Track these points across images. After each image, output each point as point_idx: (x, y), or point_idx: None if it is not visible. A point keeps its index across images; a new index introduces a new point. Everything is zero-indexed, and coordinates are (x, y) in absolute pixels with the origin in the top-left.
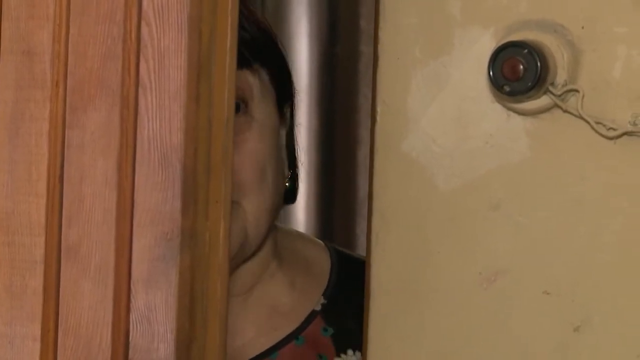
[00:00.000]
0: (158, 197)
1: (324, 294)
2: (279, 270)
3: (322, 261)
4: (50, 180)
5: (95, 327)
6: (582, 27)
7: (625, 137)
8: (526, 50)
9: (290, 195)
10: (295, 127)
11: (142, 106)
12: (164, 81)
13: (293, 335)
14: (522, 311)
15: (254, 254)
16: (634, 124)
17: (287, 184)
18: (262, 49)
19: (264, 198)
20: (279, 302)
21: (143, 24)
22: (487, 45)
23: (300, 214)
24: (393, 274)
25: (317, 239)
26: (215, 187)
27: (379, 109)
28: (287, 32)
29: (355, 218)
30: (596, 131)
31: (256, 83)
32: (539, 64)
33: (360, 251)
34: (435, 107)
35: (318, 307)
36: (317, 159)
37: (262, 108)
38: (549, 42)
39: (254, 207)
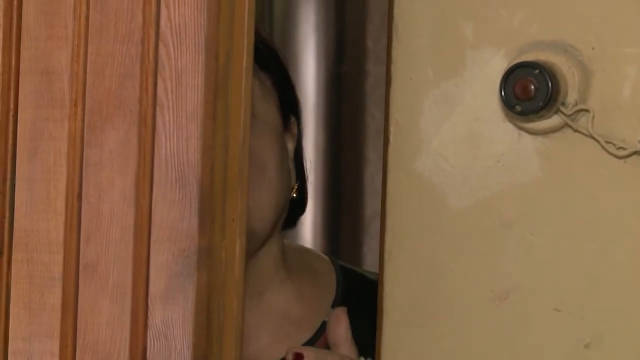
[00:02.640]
0: (175, 215)
1: (332, 306)
2: (287, 279)
3: (328, 274)
4: (69, 198)
5: (113, 343)
6: (593, 48)
7: (635, 156)
8: (537, 71)
9: (298, 207)
10: (303, 142)
11: (160, 125)
12: (181, 100)
13: (308, 344)
14: (533, 328)
15: (261, 256)
16: None
17: (294, 195)
18: (262, 54)
19: (266, 193)
20: (289, 311)
21: (160, 44)
22: (498, 65)
23: (307, 232)
24: (405, 291)
25: (322, 254)
26: (232, 205)
27: (391, 129)
28: (294, 50)
29: (362, 237)
30: (606, 150)
31: (255, 82)
32: (550, 84)
33: (368, 269)
34: (447, 127)
35: (327, 318)
36: (323, 178)
37: (262, 107)
38: (560, 62)
39: (256, 202)
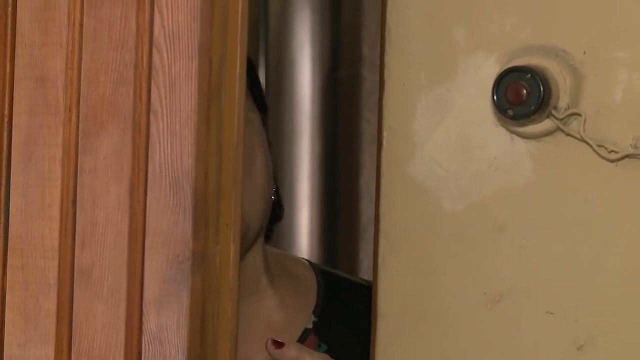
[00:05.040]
0: (169, 220)
1: (314, 312)
2: (269, 287)
3: (308, 279)
4: (64, 204)
5: (108, 348)
6: (584, 52)
7: (626, 159)
8: (529, 75)
9: (277, 209)
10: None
11: (154, 131)
12: (175, 107)
13: None
14: (526, 331)
15: (243, 264)
16: (635, 147)
17: (272, 197)
18: None
19: (256, 183)
20: (271, 319)
21: (154, 50)
22: (490, 70)
23: (304, 239)
24: (399, 295)
25: (301, 258)
26: (226, 210)
27: (385, 133)
28: (290, 57)
29: (358, 243)
30: (598, 154)
31: None
32: (541, 88)
33: (365, 275)
34: (440, 132)
35: (310, 325)
36: (319, 185)
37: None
38: (551, 67)
39: (247, 197)
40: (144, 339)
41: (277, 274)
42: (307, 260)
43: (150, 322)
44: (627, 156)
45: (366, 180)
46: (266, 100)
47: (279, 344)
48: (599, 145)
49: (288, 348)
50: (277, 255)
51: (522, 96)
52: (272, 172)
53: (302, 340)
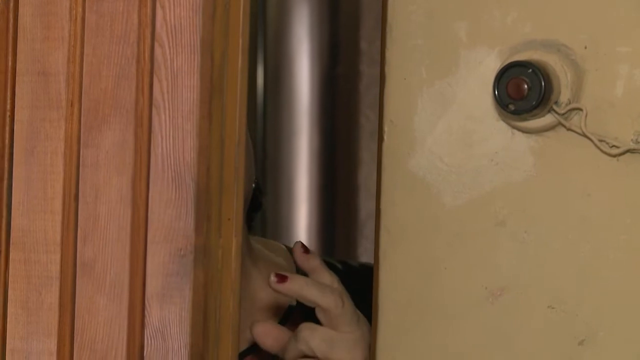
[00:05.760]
0: (172, 214)
1: None
2: (253, 268)
3: (287, 261)
4: (66, 198)
5: (110, 342)
6: (585, 47)
7: (628, 154)
8: (530, 70)
9: (258, 195)
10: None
11: (156, 125)
12: (177, 101)
13: None
14: (527, 325)
15: None
16: (637, 142)
17: (253, 185)
18: None
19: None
20: (256, 297)
21: (156, 45)
22: (492, 65)
23: (302, 234)
24: (400, 289)
25: (277, 242)
26: (228, 204)
27: (386, 128)
28: (288, 53)
29: (357, 238)
30: (599, 149)
31: None
32: (543, 83)
33: None
34: (441, 126)
35: (294, 303)
36: (318, 180)
37: None
38: (553, 61)
39: None
40: (147, 333)
41: (259, 256)
42: (284, 244)
43: (153, 316)
44: (628, 151)
45: (365, 175)
46: (265, 96)
47: (306, 249)
48: (601, 140)
49: (312, 257)
50: (256, 240)
51: (524, 91)
52: (252, 155)
53: (287, 317)
